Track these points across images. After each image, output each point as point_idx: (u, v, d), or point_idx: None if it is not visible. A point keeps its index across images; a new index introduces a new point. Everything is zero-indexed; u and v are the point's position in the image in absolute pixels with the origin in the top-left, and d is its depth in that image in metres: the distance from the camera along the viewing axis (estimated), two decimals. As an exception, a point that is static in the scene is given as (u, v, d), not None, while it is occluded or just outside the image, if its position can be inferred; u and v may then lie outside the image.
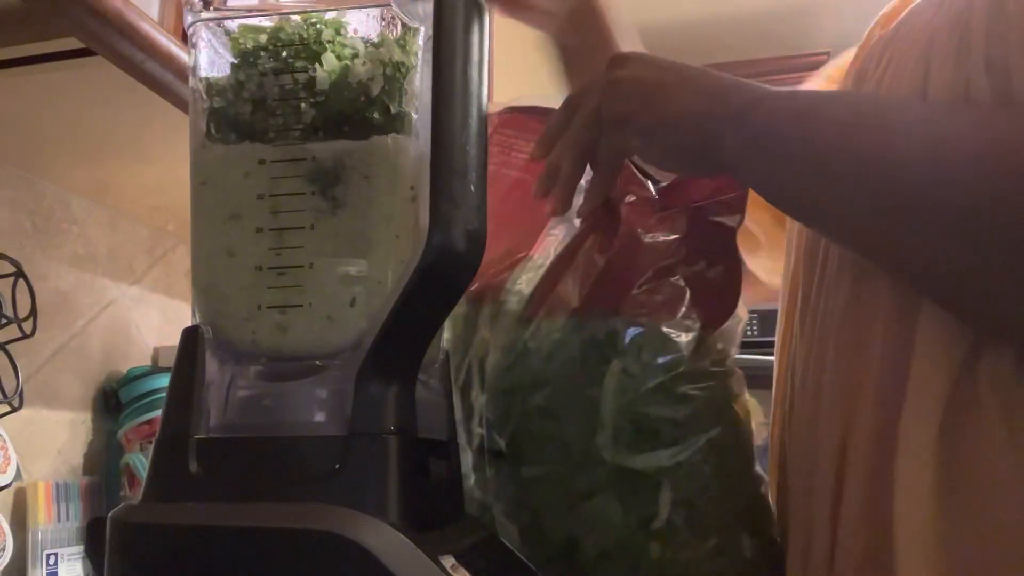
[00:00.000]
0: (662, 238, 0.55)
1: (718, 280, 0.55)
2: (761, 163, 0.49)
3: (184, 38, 0.56)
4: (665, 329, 0.53)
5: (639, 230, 0.56)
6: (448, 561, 0.40)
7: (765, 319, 1.96)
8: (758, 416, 0.60)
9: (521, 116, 0.65)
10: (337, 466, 0.42)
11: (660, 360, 0.52)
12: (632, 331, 0.52)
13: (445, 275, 0.42)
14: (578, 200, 0.58)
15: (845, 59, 0.64)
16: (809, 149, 0.46)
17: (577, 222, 0.59)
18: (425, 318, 0.44)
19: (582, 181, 0.57)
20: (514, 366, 0.54)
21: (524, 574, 0.49)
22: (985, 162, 0.40)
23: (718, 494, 0.52)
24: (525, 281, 0.60)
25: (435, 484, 0.46)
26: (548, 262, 0.58)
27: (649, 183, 0.59)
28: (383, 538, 0.39)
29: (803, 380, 0.55)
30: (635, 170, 0.59)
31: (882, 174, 0.43)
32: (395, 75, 0.48)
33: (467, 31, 0.43)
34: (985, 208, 0.40)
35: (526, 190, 0.59)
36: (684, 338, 0.53)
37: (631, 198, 0.57)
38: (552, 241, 0.60)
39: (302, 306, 0.45)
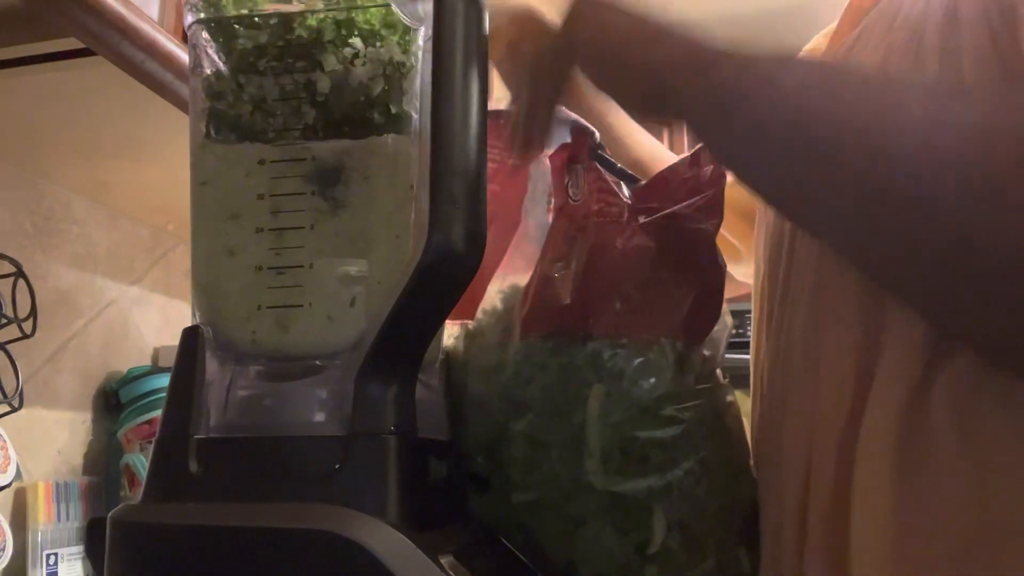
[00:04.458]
0: (637, 251, 0.52)
1: (700, 290, 0.53)
2: (715, 117, 0.45)
3: (184, 38, 0.56)
4: (646, 350, 0.51)
5: (612, 243, 0.53)
6: (448, 561, 0.40)
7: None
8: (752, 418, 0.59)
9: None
10: (337, 466, 0.42)
11: (643, 382, 0.49)
12: (611, 353, 0.50)
13: (445, 275, 0.42)
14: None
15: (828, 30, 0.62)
16: (765, 108, 0.43)
17: (548, 216, 0.56)
18: (425, 318, 0.44)
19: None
20: (493, 391, 0.53)
21: (524, 574, 0.49)
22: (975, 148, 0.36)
23: (713, 513, 0.50)
24: (499, 300, 0.58)
25: (435, 484, 0.46)
26: (521, 280, 0.56)
27: (622, 184, 0.56)
28: (383, 538, 0.39)
29: (771, 391, 0.54)
30: (604, 176, 0.55)
31: (843, 150, 0.39)
32: (395, 75, 0.48)
33: (467, 31, 0.43)
34: (981, 203, 0.36)
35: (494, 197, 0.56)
36: (666, 358, 0.51)
37: (598, 207, 0.54)
38: (523, 258, 0.57)
39: (302, 306, 0.45)
